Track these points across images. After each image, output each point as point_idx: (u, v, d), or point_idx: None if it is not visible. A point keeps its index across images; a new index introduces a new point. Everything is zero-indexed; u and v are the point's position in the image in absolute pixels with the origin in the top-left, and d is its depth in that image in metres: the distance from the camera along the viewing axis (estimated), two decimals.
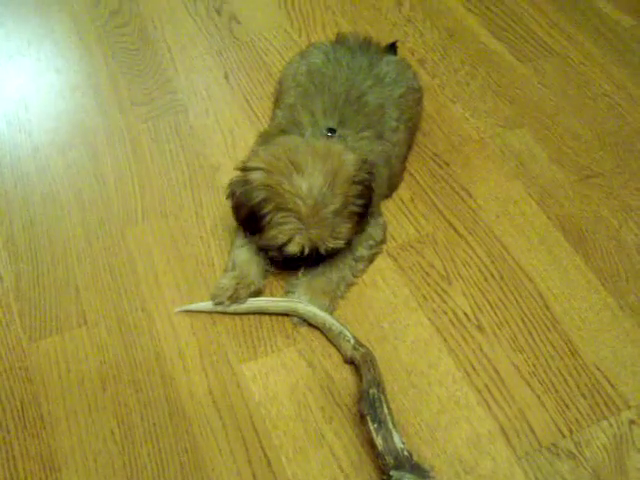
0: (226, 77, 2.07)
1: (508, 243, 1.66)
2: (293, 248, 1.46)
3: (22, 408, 1.44)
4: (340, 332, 1.46)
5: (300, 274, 1.58)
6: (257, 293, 1.54)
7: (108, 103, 2.01)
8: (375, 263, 1.63)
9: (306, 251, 1.46)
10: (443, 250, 1.65)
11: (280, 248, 1.47)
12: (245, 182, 1.47)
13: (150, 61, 2.12)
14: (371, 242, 1.62)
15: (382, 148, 1.62)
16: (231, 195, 1.51)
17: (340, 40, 1.83)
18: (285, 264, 1.57)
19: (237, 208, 1.50)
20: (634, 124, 1.91)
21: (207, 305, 1.54)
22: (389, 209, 1.72)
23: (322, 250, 1.47)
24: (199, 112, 1.97)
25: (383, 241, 1.66)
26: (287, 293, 1.57)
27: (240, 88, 2.03)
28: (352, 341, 1.45)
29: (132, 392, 1.45)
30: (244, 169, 1.48)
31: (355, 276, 1.60)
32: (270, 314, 1.54)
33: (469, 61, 2.09)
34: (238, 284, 1.52)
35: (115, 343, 1.52)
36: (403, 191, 1.76)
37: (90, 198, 1.78)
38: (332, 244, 1.47)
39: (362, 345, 1.45)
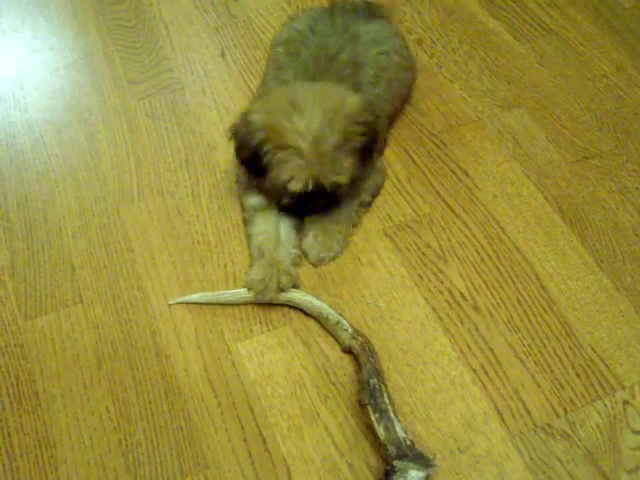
0: (223, 55, 2.05)
1: (505, 223, 1.65)
2: (296, 185, 1.46)
3: (17, 385, 1.44)
4: (337, 321, 1.46)
5: (307, 218, 1.61)
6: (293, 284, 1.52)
7: (104, 81, 2.00)
8: (371, 242, 1.63)
9: (309, 187, 1.47)
10: (440, 230, 1.65)
11: (285, 188, 1.48)
12: (246, 123, 1.49)
13: (146, 38, 2.11)
14: (373, 189, 1.67)
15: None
16: (233, 137, 1.53)
17: (334, 3, 1.83)
18: (297, 209, 1.57)
19: (240, 150, 1.53)
20: (632, 105, 1.90)
21: (201, 296, 1.53)
22: (385, 188, 1.72)
23: (327, 185, 1.48)
24: (195, 90, 1.96)
25: (382, 184, 1.71)
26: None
27: (237, 66, 2.02)
28: (350, 330, 1.44)
29: (127, 370, 1.45)
30: (245, 113, 1.51)
31: (359, 219, 1.65)
32: (265, 304, 1.53)
33: (467, 41, 2.07)
34: (273, 274, 1.50)
35: (110, 321, 1.52)
36: (399, 170, 1.76)
37: (85, 176, 1.77)
38: (335, 178, 1.48)
39: (360, 334, 1.44)
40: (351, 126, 1.47)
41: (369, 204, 1.68)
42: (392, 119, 1.82)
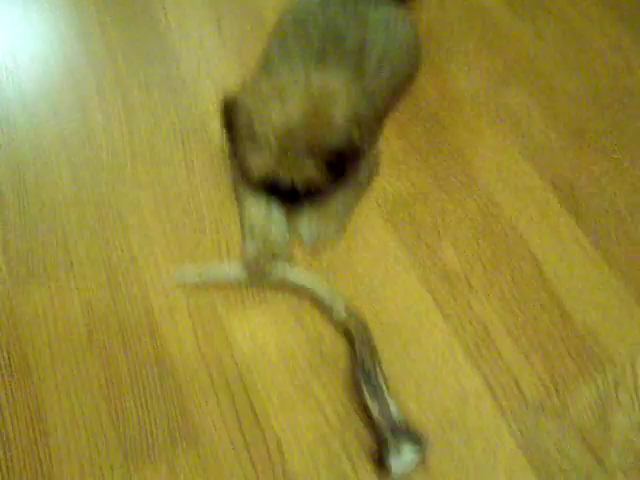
0: (218, 26, 2.03)
1: (500, 201, 1.65)
2: (255, 174, 1.46)
3: (8, 357, 1.44)
4: (332, 300, 1.45)
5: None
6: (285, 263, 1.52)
7: (98, 53, 1.97)
8: (365, 218, 1.62)
9: (267, 181, 1.46)
10: (435, 208, 1.64)
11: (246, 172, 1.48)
12: (232, 100, 1.47)
13: (141, 11, 2.08)
14: (371, 170, 1.65)
15: (363, 85, 1.57)
16: (221, 114, 1.51)
17: None
18: (274, 194, 1.55)
19: (224, 127, 1.52)
20: (630, 84, 1.89)
21: (194, 274, 1.52)
22: (381, 164, 1.70)
23: (281, 184, 1.46)
24: (191, 63, 1.94)
25: (377, 172, 1.70)
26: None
27: (233, 38, 2.00)
28: (344, 309, 1.44)
29: (119, 343, 1.45)
30: (239, 88, 1.49)
31: (357, 203, 1.63)
32: (260, 286, 1.52)
33: (465, 18, 2.05)
34: (266, 252, 1.50)
35: (103, 294, 1.51)
36: (395, 148, 1.75)
37: (79, 148, 1.76)
38: (293, 181, 1.46)
39: (354, 313, 1.43)
40: (326, 136, 1.42)
41: (366, 187, 1.66)
42: (393, 105, 1.80)
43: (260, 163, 1.44)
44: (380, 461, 1.26)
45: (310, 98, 1.42)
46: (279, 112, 1.41)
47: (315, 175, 1.45)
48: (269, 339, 1.44)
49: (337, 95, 1.45)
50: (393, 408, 1.28)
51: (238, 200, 1.61)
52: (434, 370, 1.41)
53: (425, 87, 1.88)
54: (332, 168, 1.47)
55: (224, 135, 1.53)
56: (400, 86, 1.79)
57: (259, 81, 1.50)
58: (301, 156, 1.42)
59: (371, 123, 1.57)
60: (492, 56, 1.96)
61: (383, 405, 1.28)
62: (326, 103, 1.43)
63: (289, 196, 1.52)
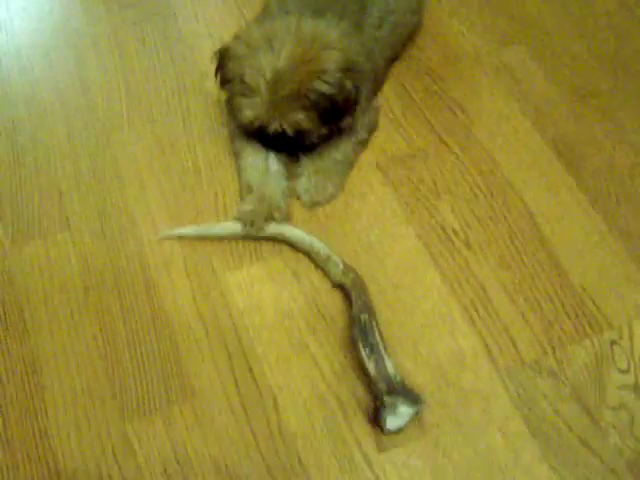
0: None
1: (500, 160, 1.63)
2: (243, 120, 1.46)
3: (4, 312, 1.44)
4: (328, 256, 1.44)
5: (302, 156, 1.59)
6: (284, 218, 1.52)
7: (94, 4, 1.94)
8: (364, 175, 1.61)
9: (255, 125, 1.46)
10: (434, 165, 1.63)
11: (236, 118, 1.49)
12: (226, 49, 1.47)
13: None
14: (368, 126, 1.63)
15: (362, 41, 1.56)
16: (215, 61, 1.51)
17: None
18: (267, 143, 1.54)
19: (217, 74, 1.51)
20: (634, 45, 1.86)
21: (190, 230, 1.51)
22: (380, 122, 1.68)
23: (270, 130, 1.46)
24: (188, 16, 1.91)
25: (377, 122, 1.68)
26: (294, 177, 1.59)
27: None
28: (341, 266, 1.43)
29: (115, 298, 1.45)
30: (233, 38, 1.49)
31: (356, 158, 1.62)
32: (256, 239, 1.51)
33: None
34: (262, 207, 1.49)
35: (99, 249, 1.51)
36: (395, 104, 1.73)
37: (74, 102, 1.74)
38: (281, 127, 1.45)
39: (351, 269, 1.43)
40: (314, 82, 1.41)
41: (365, 142, 1.64)
42: (393, 60, 1.78)
43: (251, 109, 1.44)
44: (375, 417, 1.27)
45: (300, 44, 1.41)
46: (269, 58, 1.40)
47: (303, 118, 1.44)
48: (265, 295, 1.44)
49: (329, 42, 1.43)
50: (389, 365, 1.28)
51: (236, 155, 1.60)
52: (431, 329, 1.41)
53: (426, 43, 1.85)
54: (323, 114, 1.46)
55: (218, 85, 1.52)
56: (400, 42, 1.77)
57: (251, 29, 1.48)
58: (289, 100, 1.42)
59: (368, 75, 1.55)
60: (495, 14, 1.93)
61: (379, 362, 1.28)
62: (317, 49, 1.42)
63: (281, 143, 1.51)
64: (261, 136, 1.51)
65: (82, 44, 1.85)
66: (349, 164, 1.60)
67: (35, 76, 1.79)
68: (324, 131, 1.51)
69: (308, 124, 1.46)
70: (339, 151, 1.57)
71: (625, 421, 1.31)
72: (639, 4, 1.95)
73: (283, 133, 1.46)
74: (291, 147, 1.54)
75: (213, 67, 1.50)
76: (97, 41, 1.86)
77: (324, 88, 1.42)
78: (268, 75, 1.39)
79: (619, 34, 1.89)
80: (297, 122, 1.44)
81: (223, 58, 1.48)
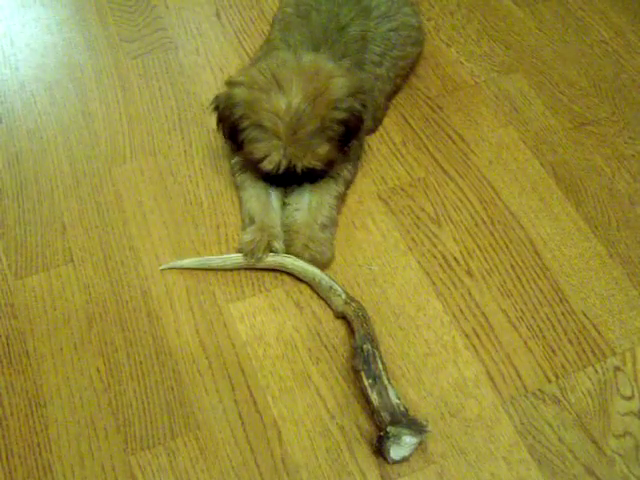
0: (217, 14, 2.02)
1: (500, 188, 1.64)
2: (269, 165, 1.45)
3: (8, 344, 1.44)
4: (330, 287, 1.45)
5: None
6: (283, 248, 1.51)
7: (96, 39, 1.97)
8: (365, 205, 1.62)
9: (281, 169, 1.46)
10: (434, 194, 1.64)
11: (257, 165, 1.47)
12: (228, 97, 1.46)
13: None
14: (356, 166, 1.64)
15: (362, 79, 1.58)
16: (215, 110, 1.51)
17: None
18: (276, 181, 1.54)
19: (220, 123, 1.51)
20: (631, 72, 1.88)
21: (192, 262, 1.51)
22: (380, 152, 1.70)
23: (298, 169, 1.46)
24: (189, 50, 1.93)
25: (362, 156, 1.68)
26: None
27: (232, 26, 1.99)
28: (343, 296, 1.43)
29: (118, 330, 1.45)
30: (229, 83, 1.48)
31: (339, 211, 1.60)
32: (258, 270, 1.51)
33: (465, 4, 2.04)
34: (263, 237, 1.48)
35: (101, 281, 1.51)
36: (395, 134, 1.74)
37: (77, 135, 1.75)
38: (309, 164, 1.46)
39: (354, 299, 1.43)
40: (332, 112, 1.43)
41: (349, 183, 1.64)
42: (394, 94, 1.80)
43: (276, 153, 1.43)
44: (379, 448, 1.26)
45: (307, 78, 1.42)
46: (283, 98, 1.40)
47: (330, 149, 1.46)
48: (268, 326, 1.44)
49: (331, 71, 1.45)
50: (393, 395, 1.28)
51: (237, 186, 1.61)
52: (434, 358, 1.41)
53: (425, 72, 1.87)
54: (341, 140, 1.48)
55: (223, 137, 1.53)
56: (402, 75, 1.78)
57: (248, 72, 1.48)
58: (313, 135, 1.42)
59: (372, 101, 1.57)
60: (493, 43, 1.95)
61: (383, 392, 1.28)
62: (324, 79, 1.43)
63: (292, 179, 1.52)
64: (272, 176, 1.51)
65: (85, 78, 1.87)
66: (335, 224, 1.57)
67: (39, 109, 1.81)
68: (338, 160, 1.53)
69: (335, 154, 1.48)
70: (323, 213, 1.54)
71: (630, 448, 1.31)
72: (635, 31, 1.97)
73: (291, 172, 1.47)
74: (300, 181, 1.54)
75: (212, 118, 1.50)
76: (99, 75, 1.88)
77: (341, 116, 1.44)
78: (286, 116, 1.39)
79: (616, 61, 1.91)
80: (325, 155, 1.46)
81: (227, 107, 1.47)
